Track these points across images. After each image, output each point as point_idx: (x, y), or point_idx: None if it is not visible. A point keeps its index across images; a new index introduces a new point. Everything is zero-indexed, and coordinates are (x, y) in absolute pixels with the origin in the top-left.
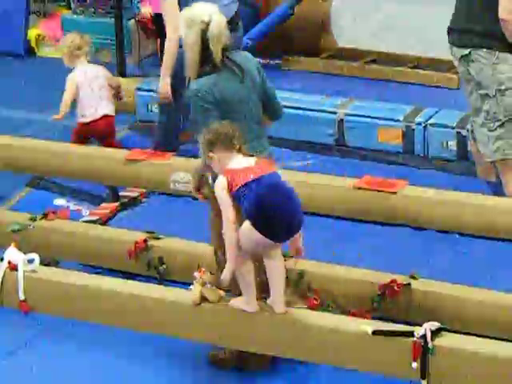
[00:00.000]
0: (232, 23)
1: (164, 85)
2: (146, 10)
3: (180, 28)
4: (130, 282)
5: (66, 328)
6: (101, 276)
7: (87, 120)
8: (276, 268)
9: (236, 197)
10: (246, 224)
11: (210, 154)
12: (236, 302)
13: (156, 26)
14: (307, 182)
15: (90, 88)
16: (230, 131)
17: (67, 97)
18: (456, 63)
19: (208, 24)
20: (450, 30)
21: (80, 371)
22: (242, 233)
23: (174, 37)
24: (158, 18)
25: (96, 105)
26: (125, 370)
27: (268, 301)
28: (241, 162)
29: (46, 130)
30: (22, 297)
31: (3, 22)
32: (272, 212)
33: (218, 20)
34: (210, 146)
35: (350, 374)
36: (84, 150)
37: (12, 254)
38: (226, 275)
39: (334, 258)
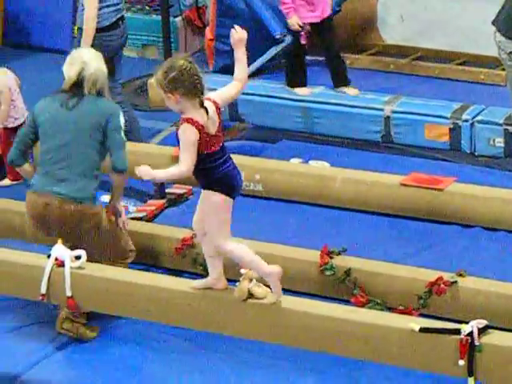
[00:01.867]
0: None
1: None
2: None
3: None
4: (176, 278)
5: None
6: (147, 273)
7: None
8: (240, 249)
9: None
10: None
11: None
12: (199, 282)
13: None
14: (354, 179)
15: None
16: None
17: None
18: (503, 57)
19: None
20: (497, 25)
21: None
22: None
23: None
24: None
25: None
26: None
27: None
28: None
29: None
30: (68, 293)
31: (51, 18)
32: (230, 176)
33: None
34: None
35: (396, 371)
36: (131, 146)
37: (59, 250)
38: (151, 172)
39: (381, 255)
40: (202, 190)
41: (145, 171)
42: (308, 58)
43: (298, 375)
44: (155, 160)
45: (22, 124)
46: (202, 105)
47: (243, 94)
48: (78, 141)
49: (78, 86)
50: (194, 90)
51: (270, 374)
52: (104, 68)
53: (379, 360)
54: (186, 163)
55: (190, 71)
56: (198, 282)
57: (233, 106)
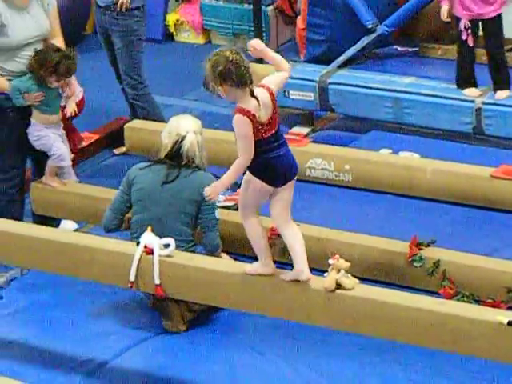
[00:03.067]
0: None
1: None
2: None
3: None
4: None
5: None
6: (235, 262)
7: None
8: (294, 235)
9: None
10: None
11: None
12: (252, 267)
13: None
14: (444, 170)
15: None
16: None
17: None
18: None
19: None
20: None
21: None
22: (243, 185)
23: None
24: None
25: None
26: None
27: (292, 271)
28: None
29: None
30: (157, 281)
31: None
32: (273, 166)
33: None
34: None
35: (484, 364)
36: (220, 135)
37: (148, 238)
38: (218, 184)
39: (470, 247)
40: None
41: (211, 190)
42: (399, 48)
43: (386, 366)
44: None
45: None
46: (252, 94)
47: (334, 83)
48: (171, 216)
49: (174, 156)
50: (242, 81)
51: (356, 365)
52: (201, 139)
53: (467, 352)
54: (244, 153)
55: (237, 62)
56: (251, 267)
57: (323, 95)
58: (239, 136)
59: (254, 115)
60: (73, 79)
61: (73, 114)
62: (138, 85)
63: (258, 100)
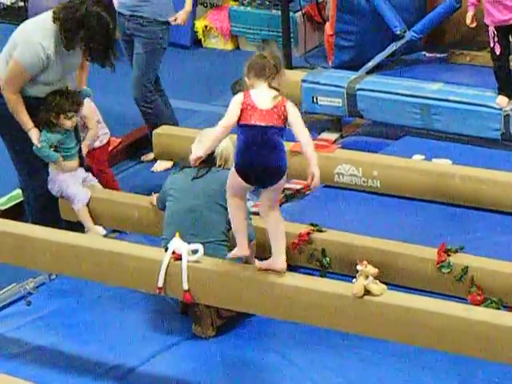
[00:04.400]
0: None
1: None
2: None
3: None
4: (293, 273)
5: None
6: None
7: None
8: (276, 223)
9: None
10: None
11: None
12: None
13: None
14: (474, 176)
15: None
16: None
17: None
18: None
19: None
20: None
21: None
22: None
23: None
24: None
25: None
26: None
27: (269, 260)
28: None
29: (211, 120)
30: (185, 287)
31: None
32: (239, 158)
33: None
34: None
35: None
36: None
37: (176, 243)
38: (195, 153)
39: (499, 254)
40: None
41: (193, 157)
42: (428, 54)
43: (413, 373)
44: None
45: (108, 141)
46: (270, 85)
47: (362, 89)
48: (203, 206)
49: (205, 161)
50: (261, 73)
51: (383, 371)
52: (231, 145)
53: (495, 359)
54: (223, 121)
55: (264, 57)
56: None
57: (351, 101)
58: (229, 105)
59: (250, 95)
60: (93, 122)
61: (85, 155)
62: (148, 93)
63: (277, 90)
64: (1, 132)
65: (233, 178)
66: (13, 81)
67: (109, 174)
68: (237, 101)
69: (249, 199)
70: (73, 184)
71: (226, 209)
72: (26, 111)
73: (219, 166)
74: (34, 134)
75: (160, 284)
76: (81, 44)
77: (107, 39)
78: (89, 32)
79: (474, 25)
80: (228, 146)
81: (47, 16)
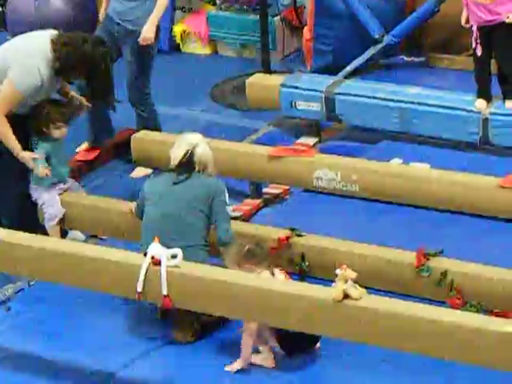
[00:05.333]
0: None
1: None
2: None
3: None
4: (273, 278)
5: None
6: (242, 272)
7: None
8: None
9: None
10: None
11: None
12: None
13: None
14: (451, 180)
15: None
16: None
17: None
18: None
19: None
20: None
21: None
22: None
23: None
24: None
25: None
26: None
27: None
28: None
29: (190, 125)
30: (164, 292)
31: None
32: None
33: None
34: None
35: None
36: (228, 145)
37: (155, 248)
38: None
39: (478, 257)
40: None
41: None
42: (406, 58)
43: (395, 377)
44: (251, 159)
45: None
46: None
47: (341, 94)
48: (182, 211)
49: (184, 165)
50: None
51: (367, 377)
52: (210, 151)
53: (473, 362)
54: None
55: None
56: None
57: (330, 106)
58: None
59: None
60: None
61: None
62: (145, 95)
63: None
64: None
65: None
66: (4, 101)
67: None
68: None
69: (228, 204)
70: (48, 200)
71: (206, 214)
72: (12, 133)
73: (198, 172)
74: (26, 158)
75: (139, 289)
76: (80, 79)
77: (110, 79)
78: (93, 72)
79: (468, 25)
80: (206, 152)
81: (43, 41)
